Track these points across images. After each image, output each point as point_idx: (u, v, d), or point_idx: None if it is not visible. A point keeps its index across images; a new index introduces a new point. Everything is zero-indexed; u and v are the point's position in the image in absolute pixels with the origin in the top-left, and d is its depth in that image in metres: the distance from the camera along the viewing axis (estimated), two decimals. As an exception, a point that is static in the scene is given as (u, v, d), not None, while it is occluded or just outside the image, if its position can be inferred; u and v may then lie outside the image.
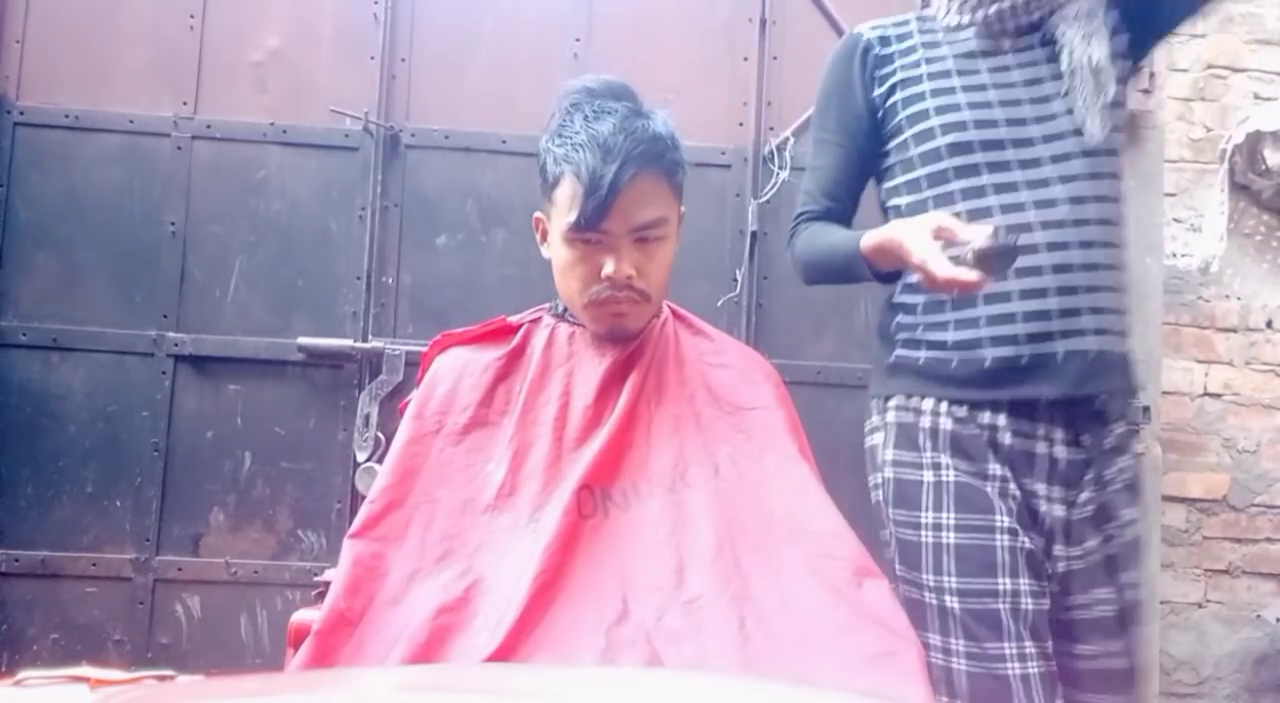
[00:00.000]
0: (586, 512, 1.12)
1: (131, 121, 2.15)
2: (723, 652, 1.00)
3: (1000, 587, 1.18)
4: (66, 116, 2.14)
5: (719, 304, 2.13)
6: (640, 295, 1.21)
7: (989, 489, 1.22)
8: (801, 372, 2.12)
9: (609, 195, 1.14)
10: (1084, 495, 1.26)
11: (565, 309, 1.30)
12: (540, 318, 1.32)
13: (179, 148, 2.15)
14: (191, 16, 2.17)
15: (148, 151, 2.15)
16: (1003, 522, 1.20)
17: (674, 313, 1.35)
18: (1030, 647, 1.17)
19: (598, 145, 1.15)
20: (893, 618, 1.08)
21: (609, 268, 1.18)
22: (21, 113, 2.13)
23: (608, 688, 0.65)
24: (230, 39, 2.18)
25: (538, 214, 1.28)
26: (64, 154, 2.14)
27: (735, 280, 2.16)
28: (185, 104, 2.16)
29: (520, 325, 1.30)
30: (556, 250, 1.23)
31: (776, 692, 0.82)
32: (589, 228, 1.16)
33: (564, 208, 1.18)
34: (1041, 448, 1.25)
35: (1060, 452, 1.25)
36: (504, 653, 0.99)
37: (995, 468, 1.24)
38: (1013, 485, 1.23)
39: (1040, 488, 1.25)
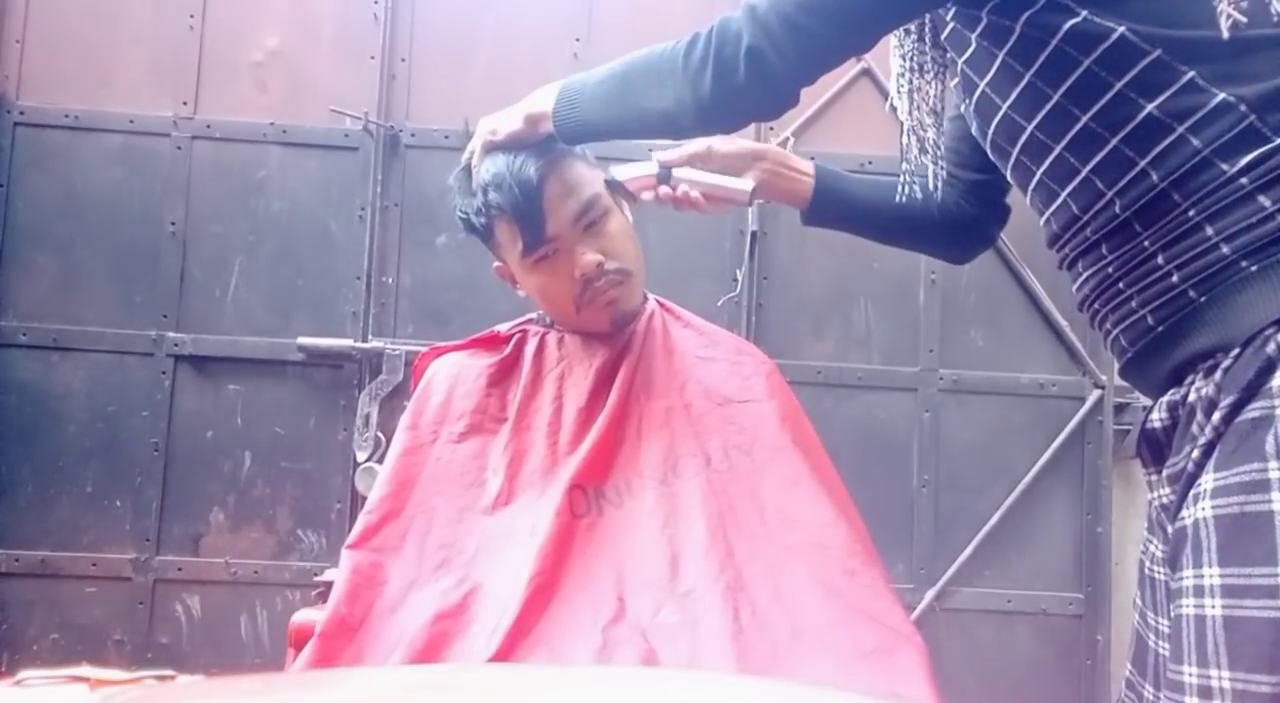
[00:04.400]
0: (579, 511, 1.12)
1: (131, 121, 2.15)
2: (717, 646, 1.01)
3: None
4: (66, 116, 2.14)
5: (719, 304, 2.13)
6: (620, 274, 1.21)
7: None
8: (801, 372, 2.11)
9: (536, 204, 1.15)
10: None
11: (552, 321, 1.31)
12: (528, 329, 1.32)
13: (179, 148, 2.15)
14: (191, 16, 2.17)
15: (148, 151, 2.15)
16: None
17: (661, 305, 1.34)
18: None
19: (499, 179, 1.16)
20: (888, 612, 1.07)
21: (577, 269, 1.18)
22: (21, 113, 2.13)
23: (607, 689, 0.65)
24: (230, 39, 2.18)
25: (496, 264, 1.29)
26: (64, 154, 2.14)
27: (735, 280, 2.16)
28: (185, 104, 2.16)
29: (511, 336, 1.31)
30: (527, 282, 1.24)
31: (775, 691, 0.82)
32: (539, 244, 1.17)
33: (510, 245, 1.20)
34: None
35: None
36: (502, 657, 0.99)
37: None
38: None
39: None
